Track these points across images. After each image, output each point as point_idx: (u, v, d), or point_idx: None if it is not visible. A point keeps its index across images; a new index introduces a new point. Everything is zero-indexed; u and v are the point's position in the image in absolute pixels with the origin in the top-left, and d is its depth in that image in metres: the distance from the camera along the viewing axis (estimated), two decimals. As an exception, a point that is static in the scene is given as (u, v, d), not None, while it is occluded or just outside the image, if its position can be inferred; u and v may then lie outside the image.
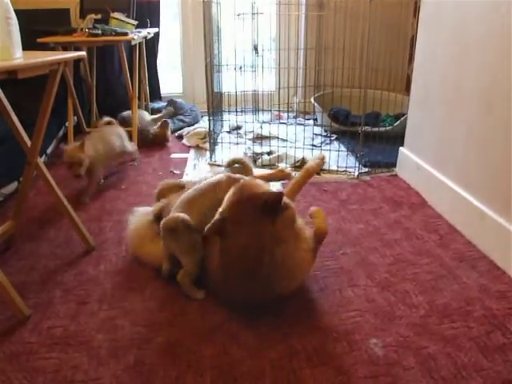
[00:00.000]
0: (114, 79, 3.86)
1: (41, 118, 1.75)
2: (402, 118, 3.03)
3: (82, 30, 3.03)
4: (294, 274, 1.49)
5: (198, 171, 2.86)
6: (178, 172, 2.83)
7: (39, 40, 2.77)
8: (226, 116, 3.67)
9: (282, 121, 3.76)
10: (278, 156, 2.96)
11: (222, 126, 3.64)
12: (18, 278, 1.71)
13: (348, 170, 2.79)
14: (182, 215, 1.60)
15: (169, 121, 3.44)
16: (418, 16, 2.49)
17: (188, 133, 3.52)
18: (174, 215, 1.61)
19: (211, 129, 3.06)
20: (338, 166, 2.83)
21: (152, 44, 3.92)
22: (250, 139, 3.42)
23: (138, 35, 3.10)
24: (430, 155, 2.38)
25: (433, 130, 2.33)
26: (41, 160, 1.82)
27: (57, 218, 2.19)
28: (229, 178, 1.71)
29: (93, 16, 3.11)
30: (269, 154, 3.04)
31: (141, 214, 1.94)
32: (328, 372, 1.28)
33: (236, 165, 1.99)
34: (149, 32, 3.45)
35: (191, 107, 4.03)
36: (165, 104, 3.99)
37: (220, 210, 1.46)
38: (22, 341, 1.41)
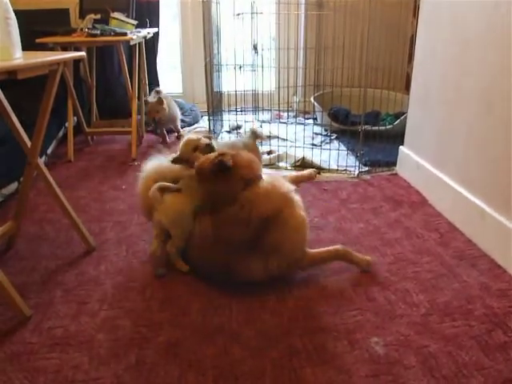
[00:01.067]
0: (113, 79, 3.86)
1: (41, 118, 1.75)
2: (402, 117, 3.03)
3: (81, 30, 3.02)
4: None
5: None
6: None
7: (38, 40, 2.77)
8: (225, 116, 3.67)
9: (281, 120, 3.76)
10: (278, 155, 2.96)
11: (221, 126, 3.64)
12: (18, 279, 1.71)
13: (348, 169, 2.79)
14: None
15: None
16: (418, 15, 2.49)
17: (188, 132, 3.52)
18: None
19: (211, 128, 3.07)
20: (338, 165, 2.83)
21: (152, 44, 3.91)
22: (249, 139, 3.42)
23: (138, 35, 3.09)
24: (430, 154, 2.37)
25: (433, 129, 2.33)
26: (41, 160, 1.82)
27: (57, 219, 2.19)
28: None
29: (92, 16, 3.10)
30: (269, 153, 3.04)
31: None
32: (329, 371, 1.28)
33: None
34: (148, 32, 3.45)
35: (191, 107, 4.03)
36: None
37: None
38: (22, 341, 1.41)
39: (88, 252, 1.92)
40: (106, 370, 1.30)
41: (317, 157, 2.88)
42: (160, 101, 3.23)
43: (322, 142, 3.30)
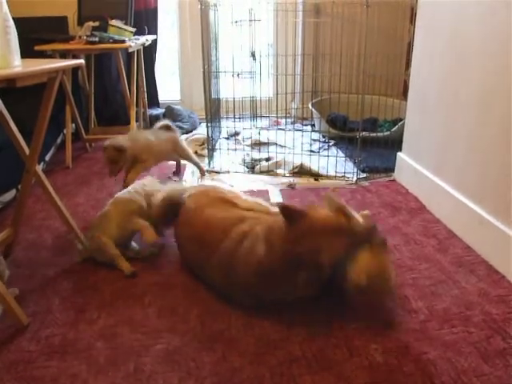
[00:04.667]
0: (112, 86, 3.87)
1: (39, 125, 1.75)
2: (400, 123, 3.04)
3: (79, 37, 3.03)
4: None
5: (196, 178, 2.86)
6: (176, 179, 2.83)
7: (36, 48, 2.78)
8: (223, 122, 3.68)
9: (279, 127, 3.76)
10: (277, 162, 2.97)
11: (220, 133, 3.64)
12: (16, 286, 1.69)
13: (346, 175, 2.79)
14: None
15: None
16: (415, 21, 2.51)
17: (186, 139, 3.53)
18: None
19: (209, 135, 3.07)
20: (336, 172, 2.83)
21: (150, 51, 3.93)
22: (248, 145, 3.43)
23: (136, 42, 3.10)
24: (428, 160, 2.38)
25: (431, 135, 2.34)
26: (39, 167, 1.82)
27: (55, 226, 2.18)
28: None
29: (90, 23, 3.12)
30: (267, 160, 3.05)
31: None
32: (328, 378, 1.28)
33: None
34: (147, 39, 3.46)
35: (189, 114, 4.04)
36: (162, 111, 4.00)
37: None
38: (20, 349, 1.41)
39: (86, 259, 1.91)
40: (104, 379, 1.29)
41: (315, 163, 2.88)
42: (120, 147, 2.35)
43: (320, 149, 3.30)
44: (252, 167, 2.98)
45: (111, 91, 3.87)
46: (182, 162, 3.15)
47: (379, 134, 3.14)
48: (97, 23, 3.15)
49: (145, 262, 1.89)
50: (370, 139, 2.97)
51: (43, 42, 2.92)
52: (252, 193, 2.52)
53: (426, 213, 2.30)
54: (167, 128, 2.72)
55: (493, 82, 1.80)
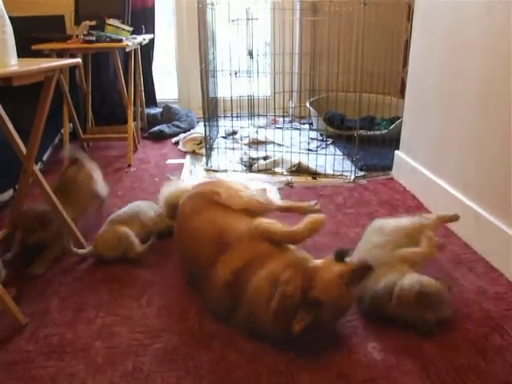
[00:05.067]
0: (109, 86, 3.86)
1: (36, 125, 1.75)
2: (397, 122, 3.04)
3: (77, 36, 3.03)
4: None
5: (194, 177, 2.86)
6: (174, 178, 2.82)
7: (33, 47, 2.77)
8: (221, 121, 3.67)
9: (277, 125, 3.77)
10: (274, 161, 2.96)
11: (217, 132, 3.64)
12: (14, 286, 1.69)
13: (344, 173, 2.79)
14: None
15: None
16: (412, 19, 2.51)
17: (184, 138, 3.52)
18: None
19: (207, 134, 3.07)
20: (333, 170, 2.84)
21: (147, 50, 3.92)
22: (245, 144, 3.43)
23: (133, 42, 3.10)
24: (425, 158, 2.38)
25: (428, 133, 2.34)
26: (37, 167, 1.82)
27: (53, 225, 2.17)
28: None
29: (88, 23, 3.11)
30: (265, 158, 3.05)
31: None
32: (326, 376, 1.28)
33: None
34: (144, 38, 3.46)
35: (187, 113, 4.03)
36: (160, 110, 3.99)
37: None
38: (18, 349, 1.40)
39: (84, 259, 1.90)
40: (102, 378, 1.29)
41: (313, 162, 2.88)
42: (40, 215, 1.85)
43: (317, 147, 3.30)
44: (250, 166, 2.98)
45: (109, 90, 3.86)
46: (178, 161, 3.16)
47: (377, 133, 3.14)
48: (94, 22, 3.14)
49: (143, 261, 1.88)
50: (368, 137, 2.98)
51: (40, 41, 2.91)
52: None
53: (423, 211, 2.29)
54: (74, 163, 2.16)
55: (491, 79, 1.80)
